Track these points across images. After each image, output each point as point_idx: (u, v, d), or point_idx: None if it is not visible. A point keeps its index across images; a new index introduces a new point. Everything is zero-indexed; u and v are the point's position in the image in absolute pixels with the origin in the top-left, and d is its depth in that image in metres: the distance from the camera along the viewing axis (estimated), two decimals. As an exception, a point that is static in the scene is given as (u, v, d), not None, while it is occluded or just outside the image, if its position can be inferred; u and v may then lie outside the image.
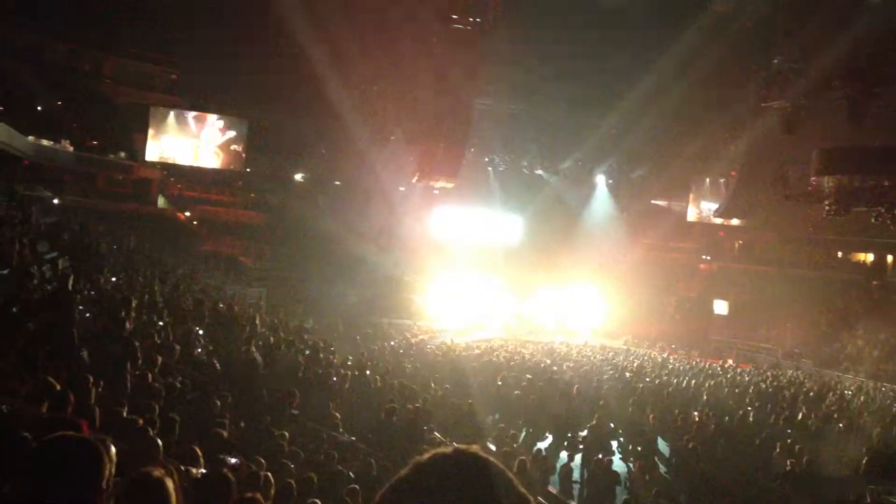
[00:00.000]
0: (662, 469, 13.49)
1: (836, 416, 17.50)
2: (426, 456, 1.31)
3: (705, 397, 18.83)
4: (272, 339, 14.87)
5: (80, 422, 4.16)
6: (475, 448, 1.32)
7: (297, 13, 27.16)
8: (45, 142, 33.16)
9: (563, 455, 13.45)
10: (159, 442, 4.95)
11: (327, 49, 27.79)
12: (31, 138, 31.84)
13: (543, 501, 10.30)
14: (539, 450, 12.54)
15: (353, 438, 10.38)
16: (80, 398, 5.70)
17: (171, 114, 39.44)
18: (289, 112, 37.68)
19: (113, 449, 2.64)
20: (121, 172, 39.15)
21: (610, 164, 38.43)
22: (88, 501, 2.42)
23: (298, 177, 44.05)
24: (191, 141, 39.70)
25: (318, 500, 6.42)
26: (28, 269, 11.79)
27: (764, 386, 22.04)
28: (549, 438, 14.90)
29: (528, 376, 18.75)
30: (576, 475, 12.42)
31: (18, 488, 2.45)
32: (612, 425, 15.33)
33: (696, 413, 16.11)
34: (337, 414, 10.92)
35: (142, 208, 37.58)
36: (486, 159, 37.88)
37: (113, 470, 2.56)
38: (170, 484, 2.85)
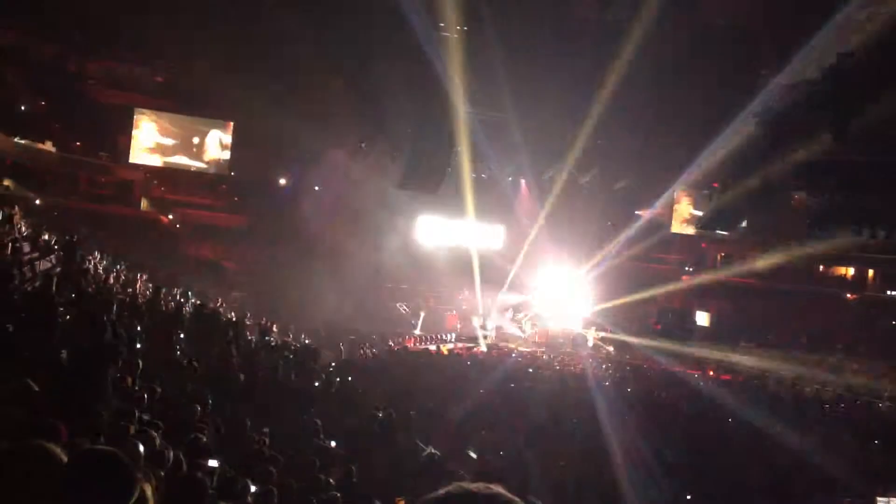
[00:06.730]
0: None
1: (815, 427, 17.62)
2: (452, 490, 1.29)
3: (687, 408, 18.91)
4: (253, 343, 14.82)
5: (59, 426, 4.12)
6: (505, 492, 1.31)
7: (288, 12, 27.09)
8: (28, 142, 32.91)
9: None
10: (139, 446, 4.90)
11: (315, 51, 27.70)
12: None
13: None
14: (521, 458, 12.53)
15: (334, 444, 10.34)
16: (60, 401, 5.64)
17: (156, 116, 39.22)
18: (274, 116, 37.52)
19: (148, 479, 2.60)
20: (103, 174, 38.88)
21: (593, 174, 38.43)
22: None
23: (282, 181, 43.88)
24: (174, 143, 39.47)
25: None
26: (8, 270, 11.68)
27: (744, 396, 22.15)
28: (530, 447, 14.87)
29: (511, 385, 18.78)
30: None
31: None
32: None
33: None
34: (318, 420, 10.89)
35: (124, 210, 37.33)
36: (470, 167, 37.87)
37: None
38: (148, 490, 2.82)
